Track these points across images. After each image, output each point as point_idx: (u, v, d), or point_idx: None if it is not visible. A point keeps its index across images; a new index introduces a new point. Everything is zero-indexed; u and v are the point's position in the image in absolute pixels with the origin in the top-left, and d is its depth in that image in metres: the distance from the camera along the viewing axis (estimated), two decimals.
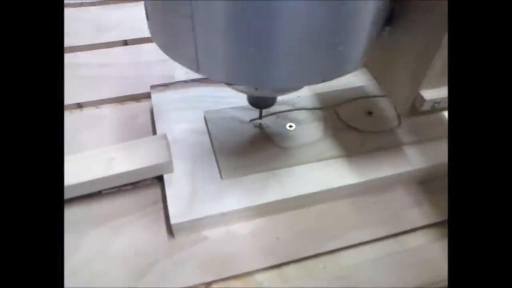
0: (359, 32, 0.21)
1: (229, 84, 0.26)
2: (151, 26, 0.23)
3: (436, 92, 0.25)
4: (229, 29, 0.18)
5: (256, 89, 0.25)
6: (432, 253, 0.31)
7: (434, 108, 0.25)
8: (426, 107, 0.25)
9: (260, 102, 0.31)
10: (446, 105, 0.25)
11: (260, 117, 0.35)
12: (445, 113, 0.38)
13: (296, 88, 0.25)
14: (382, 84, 0.30)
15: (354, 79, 0.40)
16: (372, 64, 0.31)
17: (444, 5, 0.21)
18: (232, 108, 0.37)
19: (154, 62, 0.45)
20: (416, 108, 0.26)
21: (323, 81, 0.22)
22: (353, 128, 0.36)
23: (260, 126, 0.35)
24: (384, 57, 0.28)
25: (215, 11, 0.18)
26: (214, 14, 0.18)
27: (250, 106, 0.36)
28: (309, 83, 0.22)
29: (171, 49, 0.22)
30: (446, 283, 0.29)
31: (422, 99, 0.25)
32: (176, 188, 0.31)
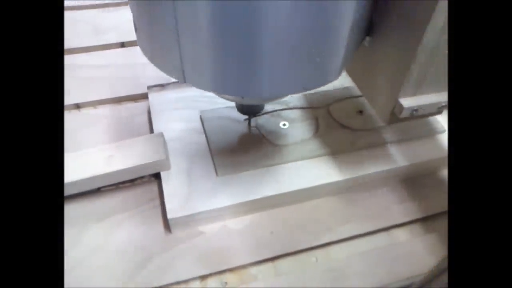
0: (337, 44, 0.21)
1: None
2: (139, 38, 0.23)
3: (414, 100, 0.25)
4: (212, 40, 0.19)
5: (243, 97, 0.26)
6: (418, 246, 0.32)
7: (413, 115, 0.26)
8: (404, 114, 0.25)
9: (248, 109, 0.32)
10: (425, 112, 0.26)
11: (249, 123, 0.35)
12: None
13: (279, 97, 0.25)
14: (363, 91, 0.31)
15: (346, 79, 0.41)
16: (353, 71, 0.31)
17: (420, 15, 0.21)
18: (227, 107, 0.38)
19: (150, 64, 0.45)
20: (395, 115, 0.26)
21: (305, 90, 0.23)
22: (344, 126, 0.37)
23: (255, 127, 0.36)
24: (364, 65, 0.29)
25: (199, 23, 0.18)
26: (197, 26, 0.18)
27: None
28: (291, 92, 0.23)
29: (158, 60, 0.22)
30: (436, 274, 0.30)
31: (401, 107, 0.25)
32: (173, 184, 0.32)
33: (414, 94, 0.25)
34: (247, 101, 0.28)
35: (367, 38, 0.25)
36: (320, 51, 0.21)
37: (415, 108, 0.25)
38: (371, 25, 0.25)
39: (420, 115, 0.26)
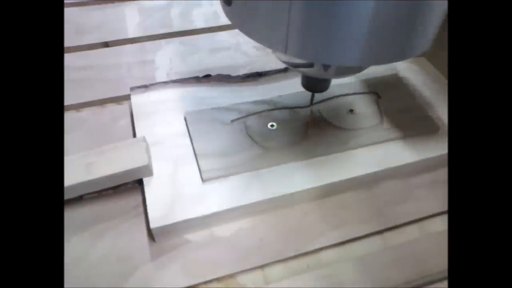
0: (438, 13, 0.22)
1: (294, 66, 0.29)
2: (233, 11, 0.25)
3: None
4: (324, 12, 0.20)
5: (325, 70, 0.27)
6: (415, 249, 0.31)
7: None
8: None
9: (317, 85, 0.32)
10: None
11: (312, 100, 0.35)
12: (428, 111, 0.38)
13: (378, 64, 0.26)
14: None
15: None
16: None
17: None
18: (213, 109, 0.36)
19: (135, 64, 0.44)
20: None
21: (403, 58, 0.24)
22: (335, 126, 0.36)
23: (318, 111, 0.36)
24: None
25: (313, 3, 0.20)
26: (312, 5, 0.20)
27: (231, 107, 0.36)
28: (394, 60, 0.24)
29: (257, 31, 0.24)
30: (430, 278, 0.29)
31: None
32: (156, 191, 0.31)
33: None
34: (324, 75, 0.29)
35: None
36: (423, 20, 0.22)
37: None
38: None
39: None
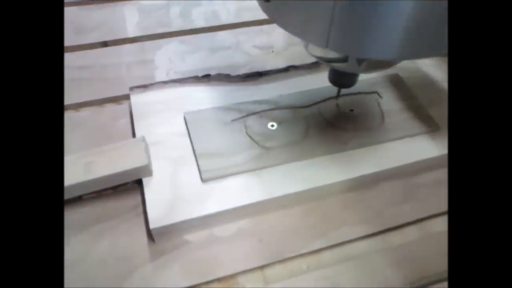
0: None
1: (328, 61, 0.29)
2: (274, 7, 0.25)
3: None
4: (368, 9, 0.21)
5: (359, 65, 0.28)
6: (415, 250, 0.31)
7: None
8: None
9: (346, 80, 0.32)
10: None
11: (338, 94, 0.35)
12: (429, 111, 0.38)
13: (414, 59, 0.28)
14: None
15: None
16: None
17: None
18: (213, 108, 0.36)
19: (134, 63, 0.44)
20: None
21: (438, 54, 0.25)
22: (336, 126, 0.35)
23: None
24: None
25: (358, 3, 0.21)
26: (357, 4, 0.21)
27: (231, 106, 0.36)
28: (427, 56, 0.25)
29: (298, 26, 0.25)
30: (430, 279, 0.29)
31: None
32: (156, 191, 0.31)
33: None
34: (362, 70, 0.29)
35: None
36: None
37: None
38: None
39: None
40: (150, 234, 0.30)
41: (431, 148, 0.35)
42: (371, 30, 0.22)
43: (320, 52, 0.29)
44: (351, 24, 0.22)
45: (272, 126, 0.35)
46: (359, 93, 0.38)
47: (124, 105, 0.40)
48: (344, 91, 0.38)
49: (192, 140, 0.34)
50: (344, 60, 0.28)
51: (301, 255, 0.30)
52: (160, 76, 0.42)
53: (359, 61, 0.28)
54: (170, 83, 0.39)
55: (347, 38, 0.23)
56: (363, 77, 0.36)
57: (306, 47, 0.30)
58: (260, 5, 0.27)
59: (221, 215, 0.30)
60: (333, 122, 0.36)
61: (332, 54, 0.28)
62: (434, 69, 0.42)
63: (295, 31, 0.25)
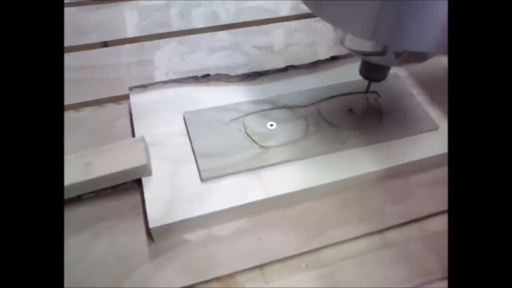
0: None
1: (364, 55, 0.30)
2: (322, 4, 0.26)
3: None
4: (414, 5, 0.22)
5: (396, 58, 0.28)
6: (415, 248, 0.31)
7: None
8: None
9: (379, 73, 0.32)
10: None
11: (368, 88, 0.36)
12: (427, 110, 0.38)
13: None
14: None
15: (334, 76, 0.40)
16: None
17: None
18: (212, 108, 0.36)
19: (134, 63, 0.44)
20: None
21: None
22: (334, 125, 0.35)
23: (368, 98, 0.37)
24: None
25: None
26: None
27: (230, 106, 0.36)
28: None
29: (343, 19, 0.25)
30: (429, 278, 0.29)
31: None
32: (155, 191, 0.31)
33: None
34: (396, 63, 0.30)
35: None
36: None
37: None
38: None
39: None
40: (149, 234, 0.30)
41: (430, 147, 0.35)
42: (415, 23, 0.23)
43: (357, 45, 0.29)
44: (397, 18, 0.23)
45: (271, 125, 0.35)
46: (358, 92, 0.38)
47: (123, 105, 0.40)
48: (343, 90, 0.38)
49: (192, 139, 0.34)
50: (383, 53, 0.28)
51: (300, 254, 0.30)
52: (160, 76, 0.42)
53: (397, 54, 0.28)
54: (169, 83, 0.39)
55: (392, 31, 0.24)
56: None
57: (342, 40, 0.30)
58: (304, 1, 0.27)
59: (220, 215, 0.30)
60: (331, 122, 0.36)
61: (370, 47, 0.29)
62: (433, 68, 0.42)
63: (338, 24, 0.26)
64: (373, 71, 0.32)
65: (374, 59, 0.30)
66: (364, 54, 0.30)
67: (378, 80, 0.33)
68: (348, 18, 0.25)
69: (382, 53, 0.28)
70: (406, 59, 0.29)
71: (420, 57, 0.30)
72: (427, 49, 0.24)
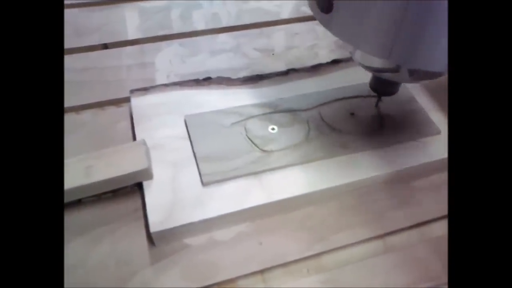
0: None
1: (378, 71, 0.30)
2: (333, 19, 0.26)
3: None
4: (431, 26, 0.23)
5: (410, 76, 0.28)
6: (417, 253, 0.31)
7: None
8: None
9: (390, 89, 0.32)
10: None
11: (378, 103, 0.36)
12: (429, 114, 0.38)
13: None
14: None
15: (336, 80, 0.40)
16: None
17: None
18: (213, 111, 0.36)
19: (134, 66, 0.44)
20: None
21: None
22: (336, 129, 0.35)
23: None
24: None
25: (426, 13, 0.22)
26: (424, 15, 0.23)
27: (232, 110, 0.36)
28: None
29: (359, 38, 0.25)
30: (433, 283, 0.29)
31: None
32: (156, 195, 0.31)
33: None
34: (408, 80, 0.30)
35: None
36: None
37: None
38: None
39: None
40: (150, 238, 0.30)
41: (432, 152, 0.35)
42: (433, 43, 0.23)
43: (369, 61, 0.29)
44: (415, 38, 0.23)
45: (273, 129, 0.35)
46: (359, 96, 0.38)
47: (124, 108, 0.40)
48: (345, 94, 0.38)
49: (193, 143, 0.34)
50: (396, 70, 0.28)
51: (302, 259, 0.30)
52: (161, 79, 0.42)
53: (411, 72, 0.28)
54: (170, 86, 0.39)
55: (409, 51, 0.24)
56: (364, 81, 0.36)
57: (352, 54, 0.30)
58: (315, 14, 0.27)
59: (221, 219, 0.30)
60: (333, 126, 0.35)
61: (383, 64, 0.28)
62: None
63: (352, 41, 0.26)
64: (385, 86, 0.32)
65: (386, 75, 0.30)
66: (376, 70, 0.30)
67: (390, 94, 0.33)
68: (363, 36, 0.25)
69: (396, 70, 0.28)
70: (419, 77, 0.29)
71: (433, 74, 0.29)
72: (443, 69, 0.24)
